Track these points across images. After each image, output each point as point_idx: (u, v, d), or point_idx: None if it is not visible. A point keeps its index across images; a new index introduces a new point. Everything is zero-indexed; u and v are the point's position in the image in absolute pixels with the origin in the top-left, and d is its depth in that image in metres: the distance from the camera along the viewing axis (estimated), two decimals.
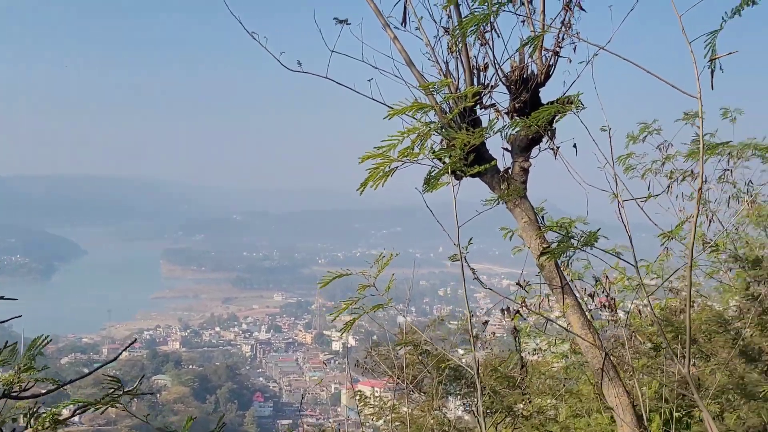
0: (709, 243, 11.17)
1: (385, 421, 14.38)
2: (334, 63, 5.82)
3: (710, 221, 12.76)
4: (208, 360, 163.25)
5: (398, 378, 13.36)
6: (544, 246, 5.87)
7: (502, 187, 5.92)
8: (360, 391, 15.56)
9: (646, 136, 12.50)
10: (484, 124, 5.93)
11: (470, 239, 5.24)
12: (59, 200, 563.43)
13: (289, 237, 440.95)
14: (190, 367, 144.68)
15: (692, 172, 12.60)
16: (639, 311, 11.94)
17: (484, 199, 6.11)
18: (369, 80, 5.70)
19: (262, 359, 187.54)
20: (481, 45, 6.00)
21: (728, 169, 12.36)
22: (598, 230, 5.44)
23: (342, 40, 5.76)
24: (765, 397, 9.59)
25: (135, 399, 5.19)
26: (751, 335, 10.52)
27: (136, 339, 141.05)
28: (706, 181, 12.89)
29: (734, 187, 12.96)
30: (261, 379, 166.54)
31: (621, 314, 10.38)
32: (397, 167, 5.08)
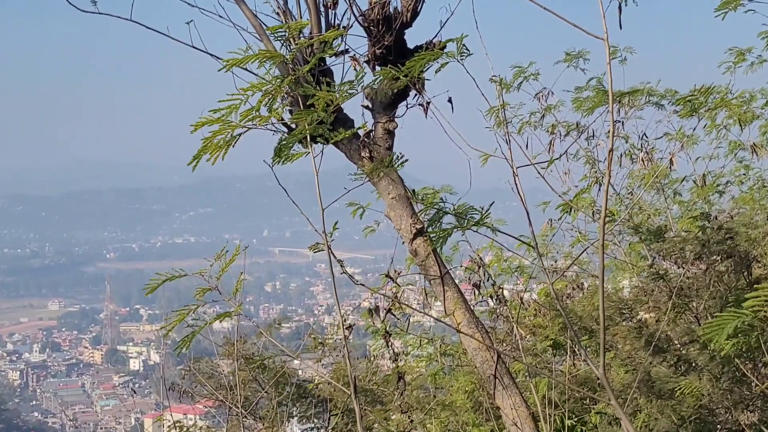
0: (612, 215, 11.55)
1: None
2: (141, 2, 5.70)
3: (599, 184, 13.18)
4: None
5: (227, 400, 13.27)
6: (419, 227, 5.91)
7: (363, 155, 5.91)
8: (177, 421, 15.33)
9: (521, 83, 12.67)
10: (338, 79, 5.94)
11: (336, 223, 5.25)
12: None
13: (64, 226, 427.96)
14: None
15: (577, 125, 12.97)
16: (521, 299, 12.21)
17: (335, 167, 6.12)
18: (188, 23, 5.60)
19: (36, 388, 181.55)
20: None
21: (619, 121, 12.69)
22: (491, 204, 5.56)
23: None
24: (674, 394, 10.00)
25: None
26: (654, 322, 10.88)
27: None
28: (593, 136, 13.37)
29: (626, 142, 13.45)
30: (36, 413, 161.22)
31: (504, 307, 10.68)
32: (240, 135, 4.99)
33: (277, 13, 6.06)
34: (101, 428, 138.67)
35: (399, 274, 6.78)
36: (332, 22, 6.00)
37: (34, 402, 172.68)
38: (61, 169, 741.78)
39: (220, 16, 5.86)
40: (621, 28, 4.64)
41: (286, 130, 5.63)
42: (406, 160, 5.89)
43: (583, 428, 11.19)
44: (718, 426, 10.10)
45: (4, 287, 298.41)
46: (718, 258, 10.10)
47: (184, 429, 14.73)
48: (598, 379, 11.17)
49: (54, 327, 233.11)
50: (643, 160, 12.86)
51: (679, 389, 9.63)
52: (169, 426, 14.06)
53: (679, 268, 10.45)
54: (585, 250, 11.25)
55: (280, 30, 5.69)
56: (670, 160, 12.90)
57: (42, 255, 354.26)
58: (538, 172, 5.71)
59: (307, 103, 5.43)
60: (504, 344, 11.71)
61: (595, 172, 13.65)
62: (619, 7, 4.59)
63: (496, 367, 5.92)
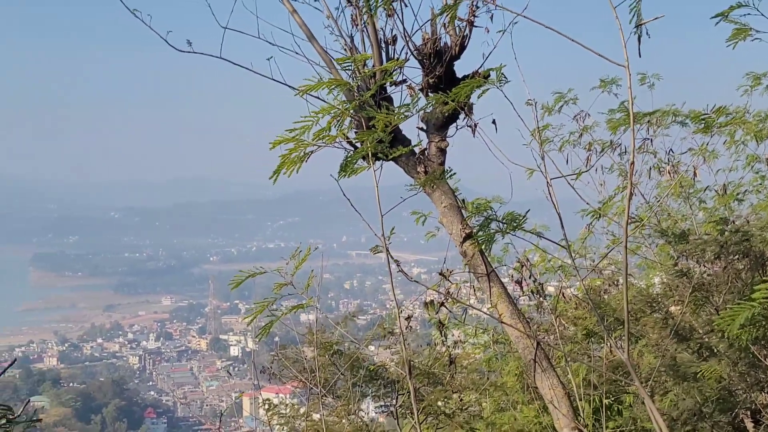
0: (633, 217, 11.47)
1: (296, 430, 14.31)
2: (229, 42, 5.76)
3: (632, 194, 13.10)
4: (91, 376, 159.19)
5: (309, 382, 13.31)
6: (467, 231, 5.90)
7: (419, 170, 5.92)
8: (268, 399, 15.43)
9: (561, 107, 12.74)
10: (397, 103, 5.94)
11: (393, 228, 5.24)
12: None
13: (173, 234, 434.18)
14: (71, 384, 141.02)
15: (611, 143, 12.91)
16: (563, 294, 12.11)
17: (397, 183, 6.13)
18: (268, 59, 5.64)
19: (152, 371, 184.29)
20: (388, 16, 5.98)
21: (648, 139, 12.65)
22: (527, 212, 5.53)
23: (237, 16, 5.69)
24: (697, 377, 9.88)
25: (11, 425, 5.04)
26: (680, 314, 10.78)
27: (15, 359, 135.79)
28: (625, 152, 13.24)
29: (655, 156, 13.31)
30: (152, 393, 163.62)
31: (544, 300, 10.59)
32: (312, 152, 5.03)
33: (345, 49, 6.08)
34: (206, 405, 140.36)
35: (451, 272, 6.75)
36: (391, 55, 6.02)
37: (150, 383, 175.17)
38: (168, 184, 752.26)
39: (296, 53, 5.91)
40: (640, 56, 4.57)
41: (351, 148, 5.66)
42: (454, 173, 5.89)
43: (620, 406, 11.07)
44: (737, 405, 9.93)
45: (125, 286, 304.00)
46: (736, 257, 9.94)
47: (273, 406, 14.83)
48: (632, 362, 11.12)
49: (167, 319, 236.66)
50: (669, 172, 12.77)
51: (701, 373, 9.51)
52: (261, 403, 14.20)
53: (700, 266, 10.30)
54: (611, 250, 11.13)
55: (347, 62, 5.71)
56: (694, 172, 12.85)
57: (156, 258, 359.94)
58: (569, 183, 5.68)
59: (369, 124, 5.45)
60: (548, 333, 11.62)
61: (626, 183, 13.55)
62: (639, 39, 4.53)
63: (536, 353, 5.89)
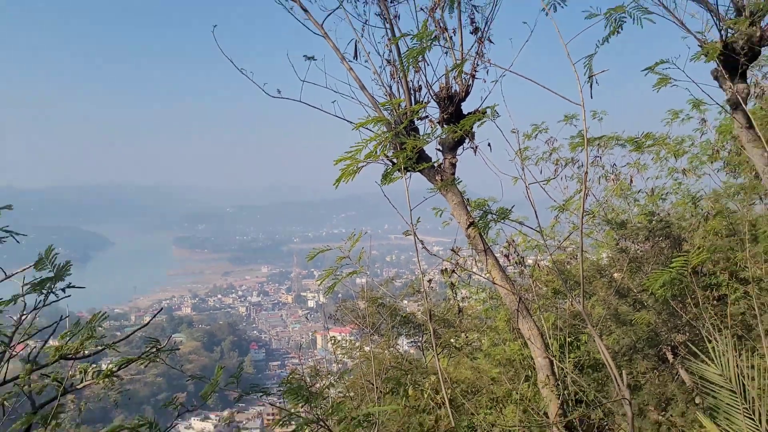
0: (587, 211, 11.38)
1: (353, 358, 14.39)
2: (305, 89, 5.78)
3: (586, 195, 13.05)
4: (213, 320, 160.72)
5: (361, 325, 13.36)
6: (470, 220, 5.90)
7: (437, 178, 5.93)
8: (333, 336, 15.51)
9: (537, 134, 12.72)
10: (421, 132, 5.95)
11: (418, 218, 5.25)
12: (89, 204, 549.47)
13: (270, 223, 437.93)
14: (200, 326, 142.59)
15: (572, 159, 12.89)
16: (538, 265, 12.09)
17: (422, 187, 6.14)
18: (333, 102, 5.67)
19: (255, 317, 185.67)
20: (416, 72, 5.98)
21: (598, 156, 12.69)
22: (512, 207, 5.51)
23: (310, 72, 5.71)
24: (632, 323, 9.81)
25: (159, 354, 5.12)
26: (621, 279, 10.72)
27: (162, 308, 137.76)
28: (581, 165, 13.16)
29: (603, 169, 13.26)
30: (255, 332, 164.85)
31: (524, 269, 10.55)
32: (362, 166, 5.06)
33: (385, 95, 6.08)
34: (292, 341, 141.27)
35: (460, 249, 6.74)
36: (418, 99, 6.01)
37: (253, 325, 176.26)
38: (265, 188, 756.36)
39: (351, 97, 5.92)
40: (591, 97, 4.54)
41: (389, 163, 5.67)
42: (461, 181, 5.87)
43: (578, 343, 10.99)
44: (661, 342, 9.82)
45: (237, 259, 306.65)
46: (660, 239, 9.85)
47: (337, 341, 14.91)
48: (587, 312, 11.03)
49: (264, 282, 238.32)
50: (613, 180, 12.74)
51: (635, 320, 9.45)
52: (329, 339, 14.26)
53: (635, 245, 10.22)
54: (570, 234, 11.07)
55: (387, 104, 5.72)
56: (630, 179, 12.81)
57: (257, 240, 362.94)
58: (542, 187, 5.63)
59: (402, 147, 5.46)
60: (527, 291, 11.57)
61: (582, 187, 13.52)
62: (591, 86, 4.49)
63: (518, 305, 5.88)
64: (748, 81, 6.13)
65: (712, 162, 12.86)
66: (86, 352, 4.04)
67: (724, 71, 6.03)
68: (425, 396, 9.85)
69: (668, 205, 13.55)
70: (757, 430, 3.61)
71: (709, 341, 4.06)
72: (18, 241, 4.32)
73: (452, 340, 13.61)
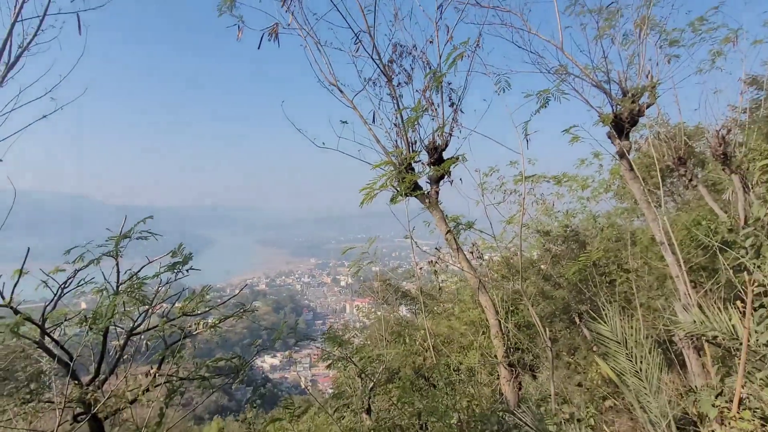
0: (524, 224, 11.29)
1: (370, 319, 14.34)
2: (334, 139, 5.77)
3: (524, 214, 12.90)
4: (279, 293, 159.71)
5: (376, 297, 13.29)
6: (448, 229, 5.88)
7: (426, 201, 5.91)
8: (357, 305, 15.44)
9: (492, 173, 12.60)
10: (416, 170, 5.95)
11: (413, 227, 5.24)
12: (200, 216, 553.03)
13: (314, 230, 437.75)
14: (270, 297, 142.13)
15: (515, 190, 12.74)
16: (492, 259, 11.97)
17: (417, 207, 6.14)
18: (358, 150, 5.68)
19: (306, 291, 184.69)
20: (413, 131, 6.00)
21: (532, 188, 12.48)
22: (475, 221, 5.50)
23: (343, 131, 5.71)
24: (554, 297, 9.68)
25: (245, 313, 5.15)
26: (546, 268, 10.58)
27: (246, 284, 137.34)
28: (521, 194, 13.04)
29: (535, 196, 13.11)
30: (306, 301, 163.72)
31: (482, 261, 10.47)
32: (377, 193, 5.06)
33: (393, 145, 6.06)
34: (329, 307, 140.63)
35: (441, 248, 6.70)
36: (414, 149, 6.01)
37: (305, 297, 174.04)
38: (309, 207, 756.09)
39: (370, 147, 5.90)
40: (528, 149, 4.55)
41: (395, 190, 5.66)
42: (442, 203, 5.82)
43: (517, 310, 10.87)
44: (572, 311, 9.68)
45: (295, 253, 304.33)
46: (572, 243, 9.76)
47: (359, 308, 14.86)
48: (524, 290, 10.89)
49: (312, 268, 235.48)
50: (541, 204, 12.60)
51: (555, 296, 9.33)
52: (354, 307, 14.22)
53: (556, 246, 10.12)
54: (514, 238, 10.96)
55: (393, 152, 5.73)
56: (553, 203, 12.62)
57: (307, 241, 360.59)
58: (495, 208, 5.64)
59: (403, 180, 5.47)
60: (484, 276, 11.47)
61: (522, 208, 13.33)
62: (527, 141, 4.50)
63: (479, 285, 5.84)
64: (630, 139, 6.14)
65: (606, 192, 12.74)
66: (199, 311, 4.09)
67: (614, 133, 6.04)
68: (416, 344, 9.79)
69: (577, 221, 13.41)
70: (634, 367, 3.58)
71: (603, 310, 4.04)
72: (156, 240, 4.38)
73: (435, 308, 13.53)
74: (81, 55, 4.15)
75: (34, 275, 3.79)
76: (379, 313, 13.48)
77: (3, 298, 3.54)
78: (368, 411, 5.95)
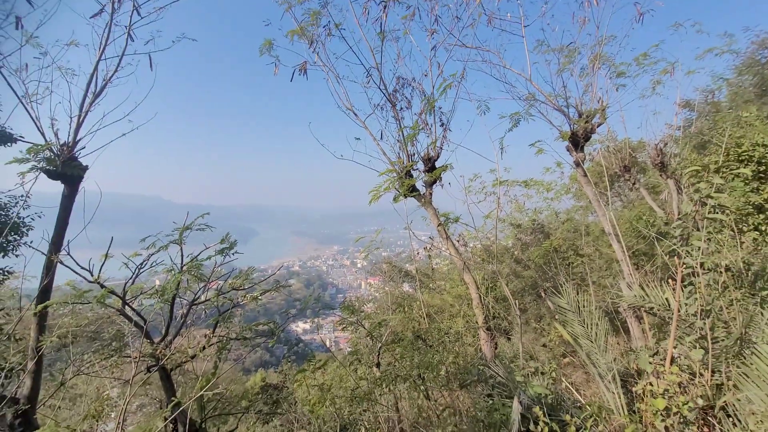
0: (501, 218, 11.17)
1: (379, 293, 14.32)
2: (350, 151, 5.68)
3: (500, 210, 12.72)
4: (309, 273, 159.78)
5: (384, 276, 13.25)
6: (439, 222, 5.83)
7: (422, 200, 5.87)
8: (370, 282, 15.41)
9: (475, 178, 12.46)
10: (414, 176, 5.89)
11: (411, 221, 5.20)
12: (246, 212, 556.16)
13: (336, 224, 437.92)
14: (302, 276, 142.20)
15: (493, 192, 12.55)
16: (474, 246, 11.84)
17: (415, 205, 6.09)
18: (369, 161, 5.64)
19: (330, 272, 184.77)
20: (411, 146, 5.94)
21: (507, 190, 12.29)
22: (459, 216, 5.44)
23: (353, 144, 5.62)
24: (523, 276, 9.55)
25: (281, 288, 5.15)
26: (517, 254, 10.45)
27: (283, 266, 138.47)
28: (498, 196, 12.89)
29: (509, 197, 12.93)
30: (330, 279, 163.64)
31: (467, 248, 10.38)
32: (382, 194, 5.02)
33: (396, 156, 6.02)
34: (348, 284, 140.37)
35: (433, 238, 6.62)
36: (412, 159, 5.95)
37: (329, 276, 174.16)
38: (331, 205, 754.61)
39: (378, 158, 5.86)
40: (502, 158, 4.48)
41: (397, 192, 5.60)
42: (434, 202, 5.78)
43: (495, 286, 10.76)
44: (538, 287, 9.59)
45: (321, 241, 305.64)
46: (539, 233, 9.64)
47: (372, 285, 14.82)
48: (500, 271, 10.77)
49: (335, 254, 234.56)
50: (515, 203, 12.42)
51: (524, 275, 9.23)
52: (368, 284, 14.16)
53: (527, 236, 10.01)
54: (491, 230, 10.86)
55: (396, 162, 5.68)
56: (524, 203, 12.45)
57: (331, 232, 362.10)
58: (476, 206, 5.57)
59: (403, 183, 5.43)
60: (469, 260, 11.37)
61: (499, 207, 13.17)
62: (501, 153, 4.44)
63: (464, 266, 5.78)
64: (585, 152, 6.04)
65: (566, 194, 12.55)
66: (245, 286, 4.10)
67: (572, 146, 5.96)
68: (414, 312, 9.76)
69: (543, 216, 13.24)
70: (587, 331, 3.53)
71: (562, 286, 3.99)
72: (211, 231, 4.40)
73: (430, 285, 13.47)
74: (152, 86, 4.17)
75: (117, 259, 3.84)
76: (386, 288, 13.49)
77: (92, 275, 3.60)
78: (378, 365, 5.98)
